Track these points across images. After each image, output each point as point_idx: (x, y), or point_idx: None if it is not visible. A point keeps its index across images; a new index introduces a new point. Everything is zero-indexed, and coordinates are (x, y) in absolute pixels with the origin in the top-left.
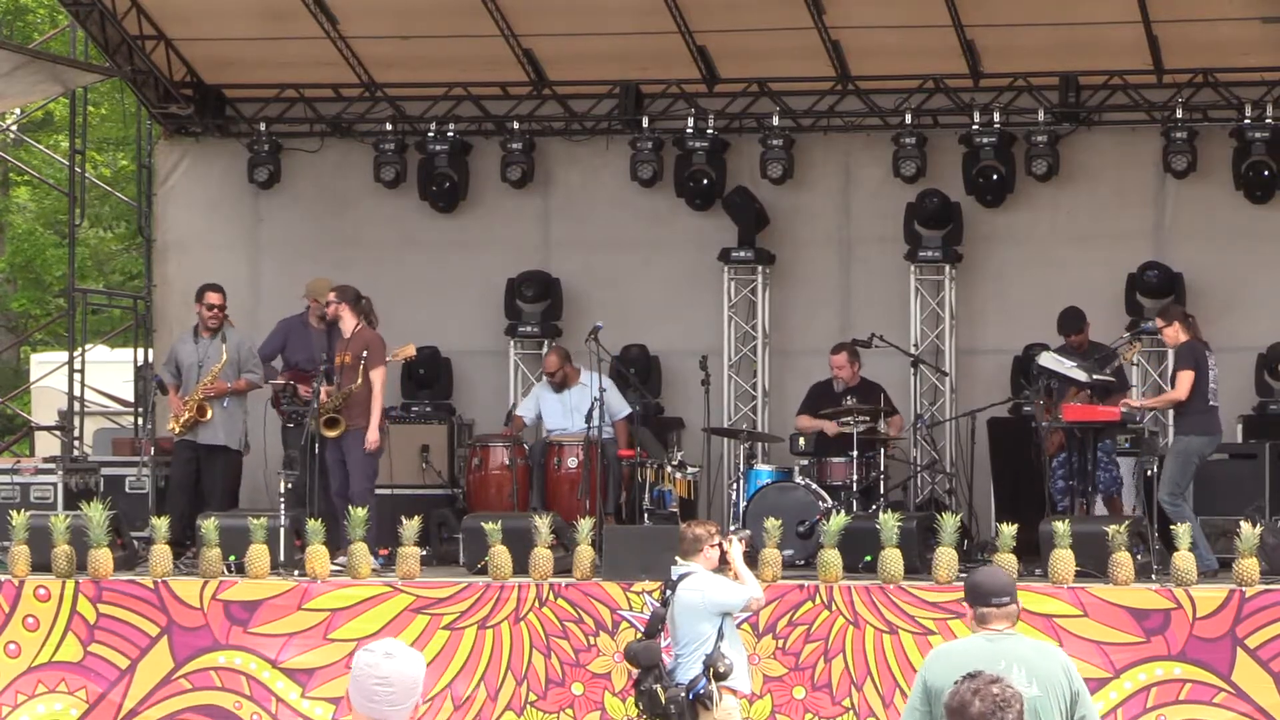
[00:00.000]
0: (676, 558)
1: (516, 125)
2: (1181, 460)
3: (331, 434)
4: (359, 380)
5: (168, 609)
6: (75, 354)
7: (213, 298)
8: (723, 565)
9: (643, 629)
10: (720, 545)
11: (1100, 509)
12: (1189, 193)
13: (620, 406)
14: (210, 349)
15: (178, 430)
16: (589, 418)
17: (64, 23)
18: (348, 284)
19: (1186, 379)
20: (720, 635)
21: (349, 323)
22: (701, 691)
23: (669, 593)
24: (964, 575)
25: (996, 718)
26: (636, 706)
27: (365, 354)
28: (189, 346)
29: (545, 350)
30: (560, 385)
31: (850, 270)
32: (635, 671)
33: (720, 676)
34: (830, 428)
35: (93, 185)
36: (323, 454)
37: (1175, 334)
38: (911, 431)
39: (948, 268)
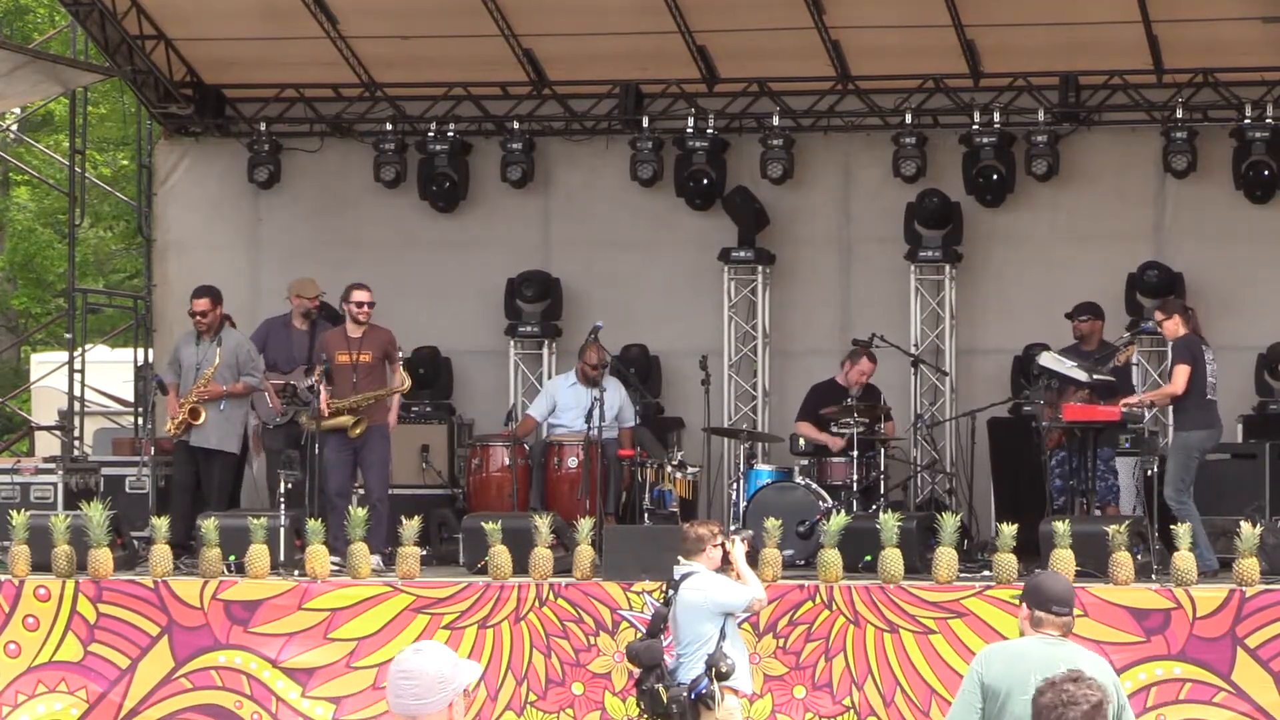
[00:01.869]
0: (679, 557)
1: (516, 125)
2: (1182, 456)
3: (357, 432)
4: (399, 379)
5: (168, 609)
6: (75, 354)
7: (197, 305)
8: (725, 565)
9: (643, 629)
10: (723, 545)
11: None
12: (1189, 193)
13: (631, 414)
14: (209, 351)
15: (172, 432)
16: (589, 418)
17: (64, 23)
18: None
19: (1183, 373)
20: (722, 635)
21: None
22: (703, 691)
23: (671, 592)
24: (966, 574)
25: (1058, 713)
26: (638, 706)
27: (388, 350)
28: (190, 348)
29: (582, 345)
30: (596, 381)
31: (850, 270)
32: (636, 671)
33: (722, 676)
34: (834, 444)
35: (93, 185)
36: (322, 452)
37: (1175, 327)
38: (911, 431)
39: (948, 268)
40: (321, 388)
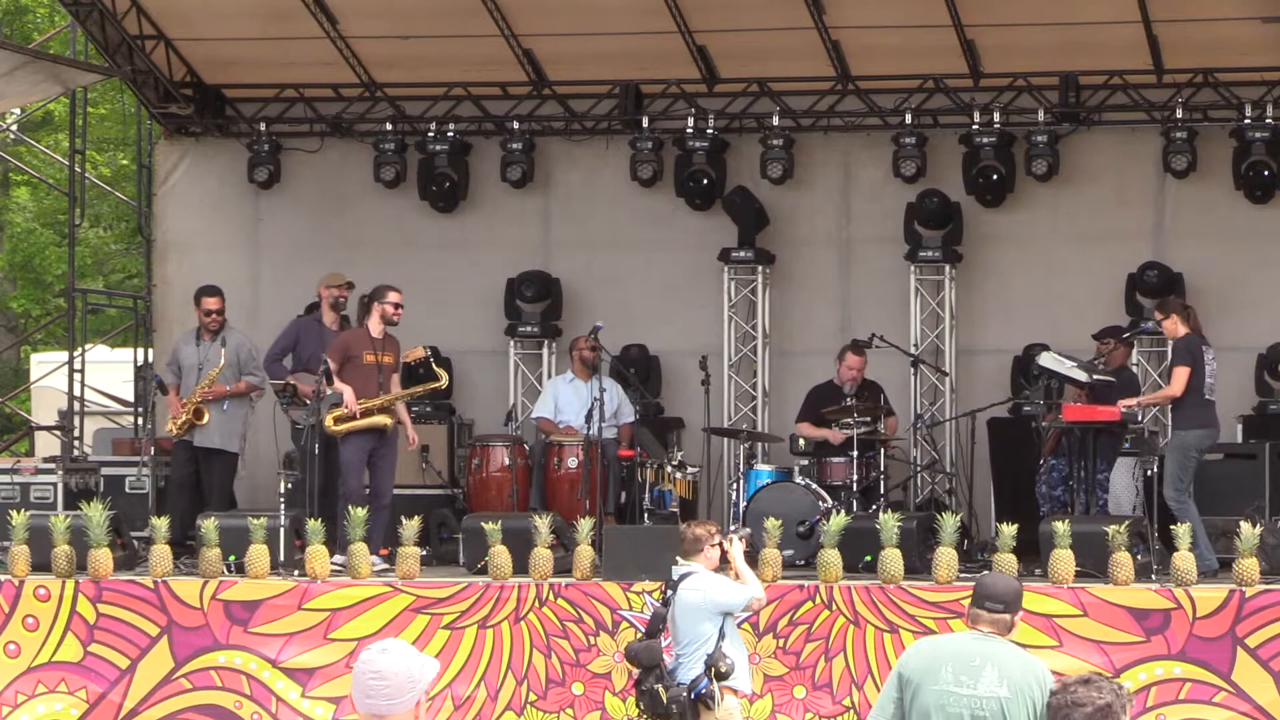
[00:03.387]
0: (677, 558)
1: (516, 125)
2: (1180, 455)
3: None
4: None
5: (168, 609)
6: (75, 354)
7: (209, 303)
8: (723, 565)
9: (643, 629)
10: (721, 545)
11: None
12: (1189, 193)
13: (629, 411)
14: (211, 351)
15: (174, 432)
16: (589, 417)
17: (64, 23)
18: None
19: (1182, 375)
20: (721, 635)
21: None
22: (703, 691)
23: (670, 593)
24: (966, 574)
25: (1063, 713)
26: (637, 706)
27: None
28: (191, 348)
29: (571, 344)
30: (593, 364)
31: (850, 270)
32: (636, 671)
33: (722, 676)
34: (835, 437)
35: (92, 185)
36: (327, 454)
37: (1174, 326)
38: (911, 431)
39: (948, 268)
40: (339, 388)
